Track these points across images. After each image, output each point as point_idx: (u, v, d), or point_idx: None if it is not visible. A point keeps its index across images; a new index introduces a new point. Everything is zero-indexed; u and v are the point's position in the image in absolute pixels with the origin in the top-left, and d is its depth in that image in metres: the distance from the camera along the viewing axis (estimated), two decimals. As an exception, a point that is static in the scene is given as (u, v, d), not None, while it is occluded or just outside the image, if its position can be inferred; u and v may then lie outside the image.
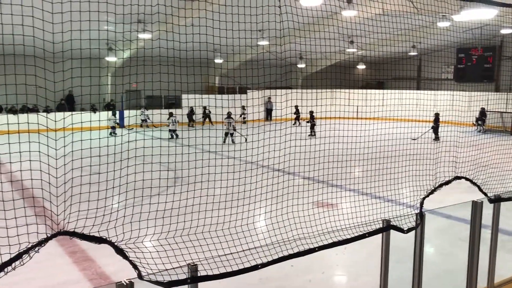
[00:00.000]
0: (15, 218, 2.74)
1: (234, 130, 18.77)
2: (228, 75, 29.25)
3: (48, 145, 2.94)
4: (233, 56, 27.56)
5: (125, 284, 2.69)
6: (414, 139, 14.88)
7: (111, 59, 24.98)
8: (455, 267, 6.08)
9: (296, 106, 24.98)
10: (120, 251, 2.83)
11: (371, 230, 4.09)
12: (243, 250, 3.34)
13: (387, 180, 6.83)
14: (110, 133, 21.08)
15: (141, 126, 26.31)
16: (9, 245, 2.50)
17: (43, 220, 2.71)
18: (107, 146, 3.88)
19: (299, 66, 31.19)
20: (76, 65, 4.48)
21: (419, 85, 34.54)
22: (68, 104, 26.82)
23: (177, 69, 6.09)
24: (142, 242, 3.25)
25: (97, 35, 4.75)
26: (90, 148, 3.90)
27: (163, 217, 4.06)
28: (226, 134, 18.95)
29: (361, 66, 33.79)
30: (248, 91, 28.27)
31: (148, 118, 26.35)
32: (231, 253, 3.25)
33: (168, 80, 5.67)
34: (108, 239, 2.80)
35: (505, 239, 7.14)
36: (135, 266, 2.83)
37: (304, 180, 10.67)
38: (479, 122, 25.38)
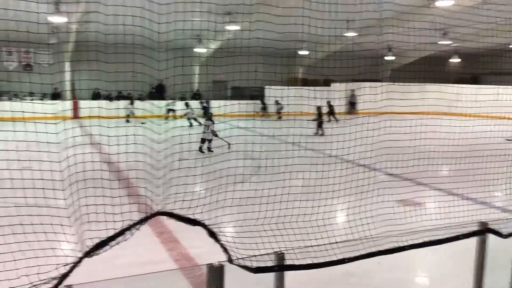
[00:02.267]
0: (120, 196, 2.94)
1: (215, 135, 14.36)
2: (312, 67, 29.00)
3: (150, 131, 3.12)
4: (320, 48, 27.24)
5: (215, 266, 2.79)
6: (510, 139, 13.66)
7: (199, 50, 25.81)
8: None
9: (329, 102, 23.62)
10: (212, 234, 2.94)
11: (465, 232, 3.86)
12: (330, 243, 3.32)
13: (479, 181, 6.39)
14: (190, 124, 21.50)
15: (166, 118, 24.33)
16: (114, 221, 2.70)
17: (143, 200, 2.90)
18: (193, 134, 4.01)
19: (387, 58, 30.07)
20: (169, 55, 4.66)
21: (521, 81, 31.76)
22: (158, 93, 28.21)
23: (261, 61, 6.16)
24: (232, 227, 3.34)
25: (188, 26, 4.90)
26: (181, 135, 4.07)
27: (253, 204, 4.14)
28: (203, 140, 14.39)
29: (455, 59, 31.79)
30: (332, 83, 27.83)
31: (174, 111, 24.81)
32: (318, 245, 3.25)
33: (251, 71, 5.73)
34: (201, 221, 2.92)
35: None
36: (225, 250, 2.93)
37: (389, 176, 10.34)
38: None
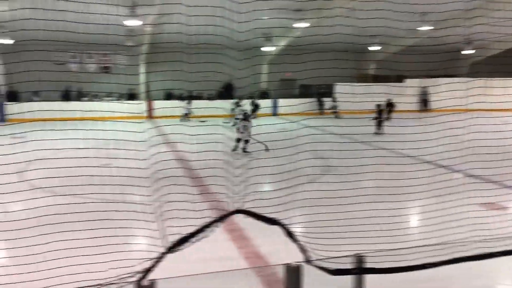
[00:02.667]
0: (200, 193, 2.98)
1: (250, 136, 14.07)
2: (383, 63, 28.10)
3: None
4: (392, 43, 26.35)
5: (293, 266, 2.75)
6: None
7: (267, 49, 25.89)
8: None
9: (389, 100, 21.57)
10: (289, 234, 2.90)
11: None
12: (411, 247, 3.15)
13: None
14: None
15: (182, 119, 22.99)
16: (195, 218, 2.75)
17: (222, 198, 2.92)
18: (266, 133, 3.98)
19: (465, 52, 28.41)
20: (233, 55, 4.66)
21: None
22: (227, 92, 28.68)
23: (330, 57, 6.01)
24: (309, 227, 3.28)
25: (257, 25, 4.87)
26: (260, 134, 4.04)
27: (328, 205, 4.05)
28: (239, 140, 13.76)
29: (543, 52, 29.32)
30: (404, 79, 26.78)
31: (190, 112, 23.17)
32: (399, 249, 3.10)
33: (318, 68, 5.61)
34: (279, 221, 2.89)
35: None
36: (303, 250, 2.87)
37: (472, 178, 9.71)
38: None
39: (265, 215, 2.84)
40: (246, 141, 14.19)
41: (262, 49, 25.73)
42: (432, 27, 20.82)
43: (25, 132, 3.74)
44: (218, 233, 9.00)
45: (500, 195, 6.04)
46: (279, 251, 7.02)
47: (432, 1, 5.92)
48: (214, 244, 7.85)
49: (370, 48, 27.36)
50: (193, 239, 2.61)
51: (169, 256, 2.75)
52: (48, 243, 3.18)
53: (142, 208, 3.08)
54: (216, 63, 3.97)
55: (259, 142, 12.49)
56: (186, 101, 23.89)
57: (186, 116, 22.66)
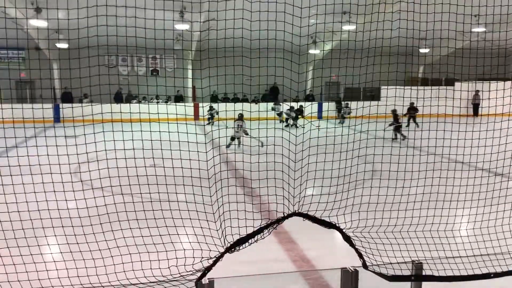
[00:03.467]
0: (259, 195, 3.01)
1: (246, 134, 14.72)
2: (434, 65, 27.32)
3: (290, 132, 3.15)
4: (443, 44, 25.60)
5: (350, 271, 2.73)
6: None
7: (314, 51, 25.81)
8: None
9: (412, 103, 19.73)
10: (347, 238, 2.88)
11: None
12: (473, 255, 3.06)
13: None
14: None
15: (208, 123, 22.55)
16: (253, 219, 2.79)
17: (280, 200, 2.96)
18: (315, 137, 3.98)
19: (520, 54, 27.17)
20: (280, 59, 4.67)
21: None
22: (272, 95, 28.80)
23: (378, 60, 5.89)
24: (368, 232, 3.26)
25: (303, 30, 4.86)
26: (316, 137, 4.06)
27: (388, 210, 3.99)
28: (233, 138, 15.14)
29: None
30: (456, 83, 25.94)
31: (217, 113, 22.60)
32: (459, 257, 3.01)
33: (366, 72, 5.53)
34: (337, 225, 2.88)
35: None
36: (360, 255, 2.85)
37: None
38: None
39: (323, 218, 2.83)
40: (233, 139, 15.18)
41: (310, 51, 25.65)
42: (485, 29, 20.07)
43: (92, 133, 3.91)
44: (270, 243, 9.08)
45: None
46: (326, 255, 6.98)
47: (484, 2, 5.71)
48: (261, 246, 7.91)
49: (420, 51, 26.68)
50: (251, 240, 2.65)
51: (208, 260, 2.80)
52: (114, 239, 3.32)
53: (202, 208, 3.15)
54: (253, 68, 4.02)
55: (253, 137, 12.64)
56: (209, 106, 23.42)
57: (210, 119, 22.41)
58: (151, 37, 4.50)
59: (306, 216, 2.78)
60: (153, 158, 3.72)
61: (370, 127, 6.50)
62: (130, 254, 3.08)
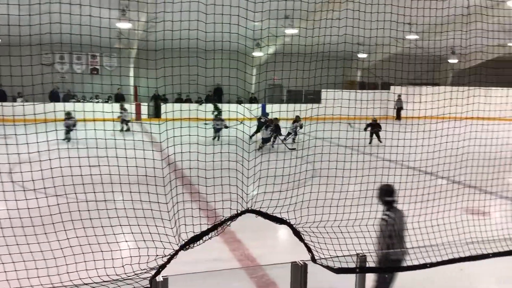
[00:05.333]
0: (213, 193, 3.06)
1: (226, 127, 17.48)
2: (370, 70, 28.46)
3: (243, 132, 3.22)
4: (380, 49, 26.76)
5: (300, 264, 2.85)
6: None
7: (257, 54, 26.10)
8: None
9: (374, 120, 18.37)
10: (297, 233, 3.00)
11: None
12: (412, 247, 3.29)
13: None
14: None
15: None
16: (207, 216, 2.83)
17: (233, 198, 3.03)
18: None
19: (450, 61, 29.01)
20: (225, 59, 4.75)
21: None
22: (215, 96, 28.74)
23: (318, 64, 6.15)
24: (316, 227, 3.40)
25: (247, 30, 4.96)
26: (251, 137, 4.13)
27: (334, 206, 4.16)
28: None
29: (525, 62, 30.12)
30: (391, 86, 27.23)
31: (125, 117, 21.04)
32: (401, 249, 3.23)
33: (309, 75, 5.74)
34: (288, 220, 2.99)
35: None
36: (309, 249, 2.98)
37: (454, 184, 9.93)
38: None
39: (275, 214, 2.94)
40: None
41: (253, 54, 25.89)
42: (418, 37, 21.25)
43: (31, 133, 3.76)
44: (214, 241, 9.12)
45: (478, 200, 6.23)
46: (269, 253, 7.13)
47: (418, 11, 6.13)
48: (206, 245, 7.93)
49: (358, 56, 27.75)
50: (206, 237, 2.70)
51: (162, 258, 2.82)
52: (65, 239, 3.23)
53: (156, 207, 3.15)
54: (195, 67, 4.08)
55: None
56: (119, 106, 21.40)
57: (123, 123, 20.61)
58: (92, 34, 4.41)
59: (258, 213, 2.87)
60: (107, 158, 3.66)
61: (316, 129, 6.73)
62: (83, 253, 3.02)
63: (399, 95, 27.34)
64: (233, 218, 2.79)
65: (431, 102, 8.00)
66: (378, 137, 17.61)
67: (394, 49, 25.60)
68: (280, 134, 16.99)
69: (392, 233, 3.97)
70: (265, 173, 3.56)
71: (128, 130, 20.28)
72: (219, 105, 24.26)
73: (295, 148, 13.51)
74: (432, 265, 3.19)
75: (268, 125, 16.54)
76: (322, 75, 6.16)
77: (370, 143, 17.31)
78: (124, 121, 20.68)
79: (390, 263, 3.90)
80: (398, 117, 27.75)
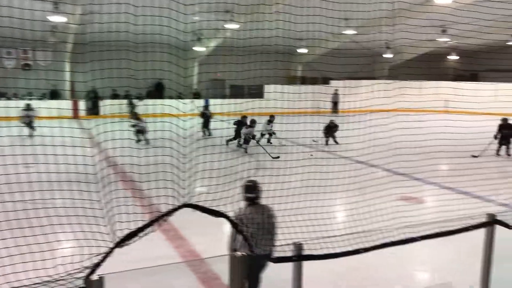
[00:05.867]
0: (148, 189, 3.02)
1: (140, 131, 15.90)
2: (310, 65, 29.05)
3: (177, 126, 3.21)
4: (318, 45, 27.35)
5: (238, 256, 2.89)
6: (476, 156, 13.02)
7: (198, 49, 25.84)
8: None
9: (332, 121, 17.46)
10: (235, 226, 3.04)
11: (475, 224, 3.98)
12: (346, 234, 3.43)
13: (485, 178, 6.49)
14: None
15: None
16: (142, 213, 2.80)
17: (169, 193, 3.01)
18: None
19: (386, 56, 30.24)
20: (165, 54, 4.73)
21: (517, 78, 31.95)
22: (157, 92, 28.25)
23: (260, 59, 6.24)
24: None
25: (188, 24, 4.95)
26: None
27: (271, 196, 4.24)
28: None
29: (453, 57, 31.99)
30: (331, 81, 27.93)
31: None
32: (333, 236, 3.36)
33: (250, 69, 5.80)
34: (225, 214, 3.02)
35: None
36: (247, 241, 3.03)
37: (390, 173, 10.47)
38: None
39: (212, 208, 2.96)
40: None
41: (194, 49, 25.56)
42: (355, 32, 21.95)
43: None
44: (153, 233, 9.00)
45: (416, 186, 6.60)
46: (214, 248, 7.15)
47: (354, 7, 6.35)
48: (149, 244, 7.84)
49: (299, 51, 28.20)
50: (142, 234, 2.67)
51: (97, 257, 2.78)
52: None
53: (91, 205, 3.08)
54: (146, 62, 4.03)
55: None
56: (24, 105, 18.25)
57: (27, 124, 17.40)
58: (23, 28, 4.21)
59: (195, 207, 2.88)
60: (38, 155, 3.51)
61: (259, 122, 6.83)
62: (10, 256, 2.90)
63: (336, 89, 28.00)
64: (169, 213, 2.78)
65: (365, 96, 8.34)
66: (334, 138, 16.97)
67: (333, 44, 26.33)
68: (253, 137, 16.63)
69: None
70: (202, 167, 3.58)
71: (31, 135, 16.36)
72: (136, 100, 23.61)
73: (279, 156, 12.70)
74: (365, 250, 3.35)
75: (250, 125, 15.25)
76: (264, 69, 6.23)
77: (326, 144, 16.70)
78: (27, 123, 16.99)
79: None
80: (335, 110, 28.35)
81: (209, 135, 18.12)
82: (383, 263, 6.82)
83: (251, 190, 4.70)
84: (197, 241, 8.27)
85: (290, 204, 4.33)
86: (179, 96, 26.02)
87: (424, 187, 9.59)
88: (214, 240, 8.18)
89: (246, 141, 14.97)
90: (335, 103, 28.71)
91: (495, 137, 15.03)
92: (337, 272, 6.53)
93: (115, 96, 25.72)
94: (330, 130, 17.05)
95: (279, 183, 4.76)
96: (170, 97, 25.75)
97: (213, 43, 26.18)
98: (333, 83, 27.36)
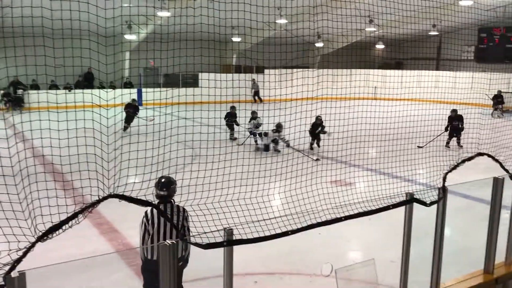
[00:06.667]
0: (71, 180, 2.95)
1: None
2: (245, 54, 29.15)
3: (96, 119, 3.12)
4: (252, 34, 27.43)
5: (168, 244, 2.89)
6: (421, 147, 13.25)
7: (129, 37, 25.09)
8: (474, 245, 6.18)
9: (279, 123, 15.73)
10: (163, 214, 3.04)
11: (395, 202, 4.24)
12: (275, 217, 3.53)
13: (406, 159, 6.90)
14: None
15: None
16: (66, 205, 2.72)
17: (95, 183, 2.94)
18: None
19: (317, 45, 30.99)
20: (95, 43, 4.59)
21: (439, 66, 34.07)
22: (86, 81, 27.15)
23: (194, 46, 6.21)
24: (182, 206, 3.46)
25: (116, 12, 4.83)
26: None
27: (200, 184, 4.27)
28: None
29: (380, 46, 33.43)
30: (265, 70, 28.22)
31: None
32: (262, 220, 3.45)
33: (185, 58, 5.78)
34: (153, 202, 3.00)
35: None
36: (176, 228, 3.04)
37: (324, 159, 10.84)
38: (500, 107, 24.55)
39: (140, 197, 2.93)
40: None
41: (125, 37, 24.77)
42: (287, 21, 22.30)
43: None
44: (86, 227, 8.79)
45: (344, 173, 6.93)
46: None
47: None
48: (82, 239, 7.63)
49: (233, 39, 28.21)
50: (65, 226, 2.60)
51: (34, 255, 2.68)
52: None
53: (8, 199, 2.94)
54: (74, 50, 3.88)
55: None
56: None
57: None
58: None
59: (121, 197, 2.84)
60: None
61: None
62: None
63: (253, 79, 28.10)
64: (94, 204, 2.72)
65: (297, 84, 8.56)
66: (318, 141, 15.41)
67: (267, 33, 26.57)
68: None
69: (149, 231, 4.12)
70: (127, 156, 3.53)
71: None
72: (20, 91, 22.53)
73: (319, 159, 12.47)
74: (292, 232, 3.47)
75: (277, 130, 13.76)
76: (199, 59, 6.19)
77: (311, 148, 15.14)
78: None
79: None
80: (257, 100, 28.49)
81: (126, 128, 17.11)
82: (312, 246, 7.13)
83: (163, 187, 4.44)
84: (131, 233, 8.15)
85: (224, 191, 4.39)
86: (111, 86, 25.19)
87: (350, 169, 10.08)
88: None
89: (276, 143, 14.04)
90: (256, 92, 28.73)
91: (446, 129, 15.42)
92: (270, 256, 6.74)
93: (37, 86, 24.35)
94: (316, 129, 14.70)
95: (214, 169, 4.79)
96: (103, 87, 24.86)
97: (144, 31, 25.51)
98: (267, 72, 27.70)
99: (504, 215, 5.35)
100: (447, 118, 15.64)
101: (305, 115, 7.53)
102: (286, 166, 5.32)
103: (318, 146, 15.09)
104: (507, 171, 5.33)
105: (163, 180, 4.53)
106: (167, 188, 4.45)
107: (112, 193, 2.78)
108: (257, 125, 14.94)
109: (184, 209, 4.32)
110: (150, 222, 4.18)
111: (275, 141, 14.32)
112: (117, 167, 3.26)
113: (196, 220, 3.37)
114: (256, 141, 14.74)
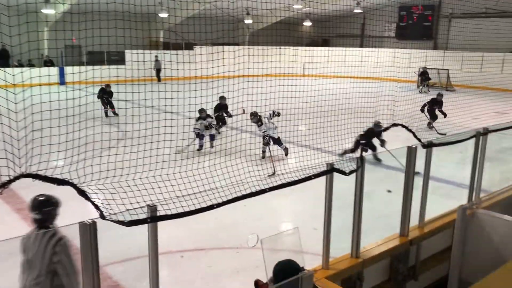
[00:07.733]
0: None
1: None
2: (173, 30, 28.45)
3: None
4: (179, 10, 26.80)
5: (88, 223, 2.83)
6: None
7: (48, 11, 23.52)
8: (391, 211, 6.59)
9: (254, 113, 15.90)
10: (82, 193, 2.96)
11: (316, 173, 4.42)
12: (200, 192, 3.57)
13: (330, 133, 7.15)
14: None
15: None
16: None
17: (5, 163, 2.79)
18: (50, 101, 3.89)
19: (246, 22, 30.93)
20: (10, 18, 4.32)
21: (363, 43, 35.34)
22: (1, 59, 25.25)
23: (120, 23, 5.99)
24: (103, 184, 3.40)
25: None
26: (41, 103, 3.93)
27: (120, 161, 4.19)
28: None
29: (307, 23, 34.02)
30: (195, 47, 27.76)
31: None
32: (187, 195, 3.47)
33: (109, 34, 5.58)
34: (70, 181, 2.91)
35: (435, 185, 7.76)
36: (97, 207, 2.98)
37: (248, 134, 10.99)
38: (426, 83, 25.90)
39: (55, 176, 2.83)
40: None
41: (43, 11, 23.19)
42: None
43: None
44: (6, 213, 8.34)
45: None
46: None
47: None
48: (3, 225, 7.22)
49: (160, 15, 27.38)
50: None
51: None
52: None
53: None
54: None
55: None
56: None
57: None
58: None
59: (35, 177, 2.73)
60: None
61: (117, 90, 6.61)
62: None
63: (156, 56, 27.23)
64: (5, 184, 2.59)
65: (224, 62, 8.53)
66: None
67: (196, 7, 26.08)
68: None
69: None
70: (39, 134, 3.38)
71: None
72: None
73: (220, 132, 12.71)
74: (218, 205, 3.52)
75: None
76: (124, 35, 5.97)
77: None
78: None
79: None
80: (158, 78, 27.67)
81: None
82: (239, 220, 7.30)
83: (34, 208, 3.52)
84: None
85: (146, 167, 4.34)
86: (30, 64, 23.66)
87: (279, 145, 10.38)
88: (76, 215, 7.87)
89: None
90: (157, 71, 27.78)
91: (422, 110, 15.40)
92: (198, 233, 6.82)
93: None
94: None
95: (141, 147, 4.70)
96: (21, 65, 23.29)
97: (65, 6, 24.05)
98: (196, 49, 27.27)
99: (418, 183, 5.77)
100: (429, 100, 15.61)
101: (232, 95, 7.55)
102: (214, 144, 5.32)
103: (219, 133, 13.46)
104: (419, 140, 5.72)
105: (39, 198, 3.56)
106: (39, 210, 3.51)
107: (24, 173, 2.66)
108: (207, 126, 11.87)
109: (58, 241, 3.48)
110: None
111: (208, 127, 12.08)
112: (29, 145, 3.12)
113: (118, 198, 3.32)
114: (201, 145, 11.74)
